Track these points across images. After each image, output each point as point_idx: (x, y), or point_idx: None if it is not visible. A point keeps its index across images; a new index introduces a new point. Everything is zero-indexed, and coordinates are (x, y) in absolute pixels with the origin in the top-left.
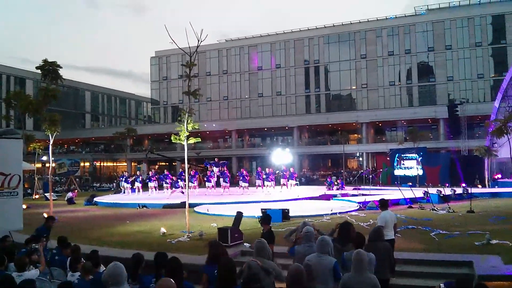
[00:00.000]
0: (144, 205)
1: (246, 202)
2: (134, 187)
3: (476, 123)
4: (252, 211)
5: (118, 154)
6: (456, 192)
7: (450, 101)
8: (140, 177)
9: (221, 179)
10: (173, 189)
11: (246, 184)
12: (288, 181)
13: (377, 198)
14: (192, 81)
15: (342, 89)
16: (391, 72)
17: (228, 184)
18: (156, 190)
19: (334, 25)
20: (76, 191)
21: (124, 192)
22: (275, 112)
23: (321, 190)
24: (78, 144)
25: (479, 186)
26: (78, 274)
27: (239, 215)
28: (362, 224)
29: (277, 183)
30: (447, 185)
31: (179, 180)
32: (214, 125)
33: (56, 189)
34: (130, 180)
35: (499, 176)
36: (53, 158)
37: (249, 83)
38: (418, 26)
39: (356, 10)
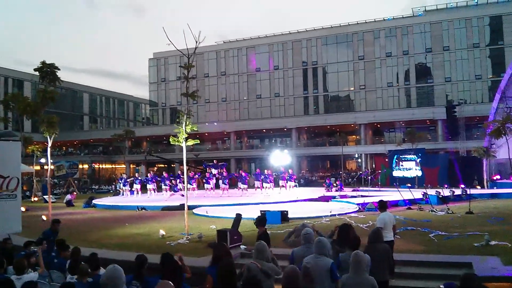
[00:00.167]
0: (143, 207)
1: (245, 204)
2: (133, 189)
3: (474, 124)
4: (251, 213)
5: (117, 156)
6: (455, 193)
7: (448, 102)
8: (139, 179)
9: (220, 181)
10: (172, 192)
11: (245, 186)
12: (287, 182)
13: (376, 199)
14: (190, 83)
15: (340, 90)
16: (389, 73)
17: (227, 186)
18: (155, 192)
19: (332, 27)
20: (74, 193)
21: (122, 194)
22: (273, 113)
23: (320, 191)
24: (76, 146)
25: (478, 187)
26: (76, 277)
27: (238, 217)
28: (361, 225)
29: (276, 184)
30: (445, 186)
31: (178, 183)
32: (214, 124)
33: (54, 192)
34: (128, 180)
35: (498, 177)
36: (51, 160)
37: (247, 85)
38: (415, 27)
39: (354, 11)
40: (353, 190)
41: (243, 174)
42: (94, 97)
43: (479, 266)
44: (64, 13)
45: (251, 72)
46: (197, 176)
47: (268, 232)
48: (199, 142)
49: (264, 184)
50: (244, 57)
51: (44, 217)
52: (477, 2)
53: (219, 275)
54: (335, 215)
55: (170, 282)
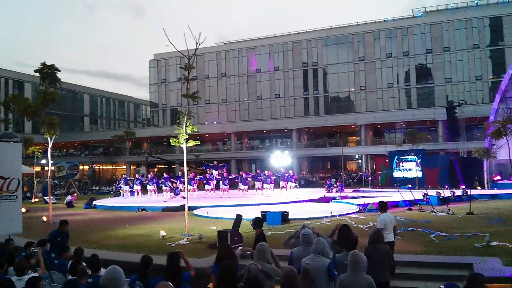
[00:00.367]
0: (143, 208)
1: (246, 204)
2: (134, 190)
3: (474, 125)
4: (252, 214)
5: (117, 157)
6: (456, 194)
7: (449, 103)
8: (140, 179)
9: (221, 182)
10: (173, 194)
11: (246, 187)
12: (287, 183)
13: (377, 200)
14: (190, 84)
15: (340, 91)
16: (389, 74)
17: (228, 187)
18: (155, 193)
19: (332, 28)
20: (75, 194)
21: (123, 195)
22: (274, 114)
23: (321, 192)
24: (77, 147)
25: (478, 187)
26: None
27: (239, 218)
28: (361, 226)
29: (277, 185)
30: (446, 187)
31: (179, 184)
32: (214, 125)
33: (55, 193)
34: (128, 179)
35: (498, 177)
36: (52, 162)
37: (248, 86)
38: (416, 28)
39: (354, 12)
40: (354, 191)
41: (244, 175)
42: (94, 98)
43: (480, 267)
44: (64, 13)
45: (252, 73)
46: (198, 178)
47: (268, 233)
48: (199, 143)
49: (265, 185)
50: (245, 58)
51: (44, 218)
52: (477, 3)
53: (219, 275)
54: (335, 216)
55: (169, 283)
